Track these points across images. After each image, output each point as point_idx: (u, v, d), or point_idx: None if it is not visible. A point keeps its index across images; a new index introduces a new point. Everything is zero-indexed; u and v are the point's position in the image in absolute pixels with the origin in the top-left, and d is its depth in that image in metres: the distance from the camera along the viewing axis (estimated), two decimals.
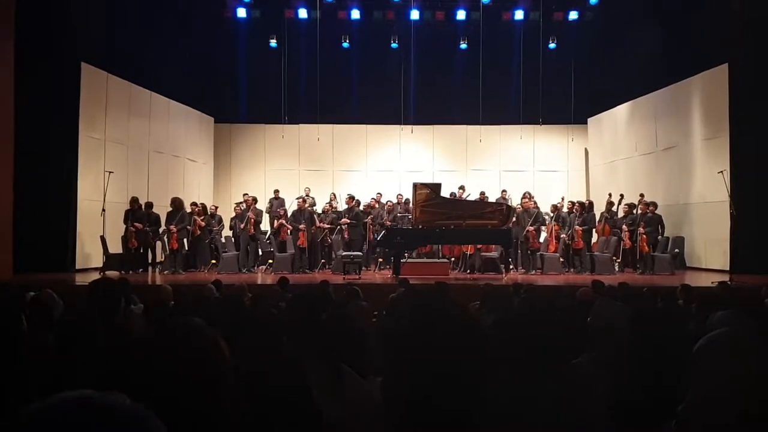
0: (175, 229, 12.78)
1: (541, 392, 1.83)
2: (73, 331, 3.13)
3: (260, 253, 14.12)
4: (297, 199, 14.07)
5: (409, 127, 18.28)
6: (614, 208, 14.06)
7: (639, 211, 13.25)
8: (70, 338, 3.13)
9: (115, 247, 12.70)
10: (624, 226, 13.28)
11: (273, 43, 17.55)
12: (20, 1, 11.37)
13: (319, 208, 14.85)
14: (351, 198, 14.25)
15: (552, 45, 17.62)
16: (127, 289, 5.90)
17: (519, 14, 17.53)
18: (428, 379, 1.50)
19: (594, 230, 13.81)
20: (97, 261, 12.65)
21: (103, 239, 12.45)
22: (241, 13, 17.43)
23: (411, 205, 13.36)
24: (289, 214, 13.81)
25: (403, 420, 1.54)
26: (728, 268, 11.54)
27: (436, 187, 12.86)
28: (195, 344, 1.67)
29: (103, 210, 12.29)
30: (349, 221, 13.68)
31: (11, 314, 3.61)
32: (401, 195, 15.70)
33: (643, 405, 1.61)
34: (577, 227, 13.33)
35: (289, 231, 13.51)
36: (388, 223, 13.98)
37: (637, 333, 1.79)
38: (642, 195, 13.82)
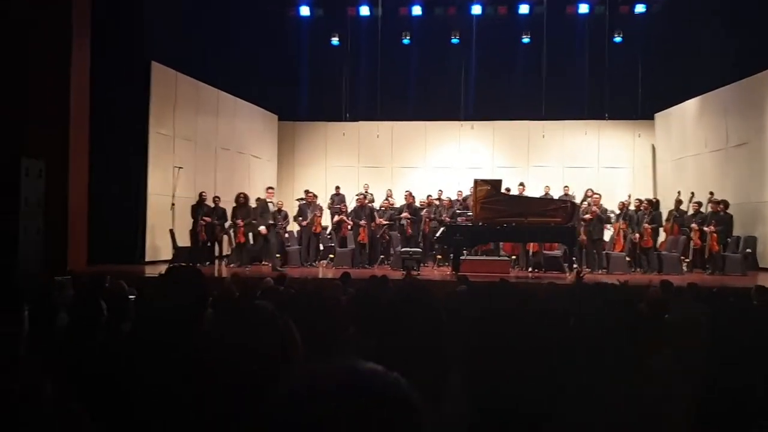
0: (242, 224, 13.04)
1: (620, 391, 1.82)
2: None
3: (321, 248, 14.29)
4: (357, 195, 14.19)
5: (469, 123, 18.18)
6: (683, 206, 13.67)
7: (709, 210, 12.85)
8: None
9: (183, 241, 13.05)
10: (693, 225, 12.90)
11: (335, 41, 17.71)
12: (95, 2, 11.79)
13: (376, 205, 14.93)
14: (410, 194, 14.29)
15: (618, 38, 17.24)
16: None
17: (584, 8, 17.22)
18: (509, 377, 1.51)
19: (662, 229, 13.45)
20: (166, 254, 13.01)
21: (172, 233, 12.82)
22: (305, 11, 17.65)
23: (470, 201, 13.28)
24: (350, 210, 13.95)
25: (482, 418, 1.55)
26: None
27: (496, 184, 12.75)
28: (269, 328, 1.73)
29: (173, 204, 12.64)
30: (410, 217, 13.71)
31: (93, 303, 3.76)
32: (461, 191, 15.64)
33: (727, 407, 1.58)
34: (646, 225, 13.00)
35: (349, 227, 13.65)
36: (447, 219, 13.94)
37: (719, 333, 1.75)
38: (711, 193, 13.38)
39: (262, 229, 12.26)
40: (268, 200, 12.57)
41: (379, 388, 0.80)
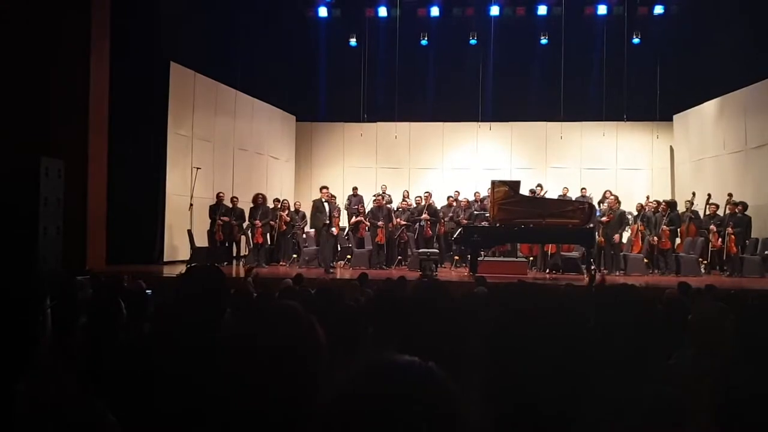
0: (260, 224, 13.11)
1: (639, 392, 1.81)
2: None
3: (339, 248, 14.33)
4: (375, 196, 14.21)
5: (486, 124, 18.12)
6: (694, 208, 13.59)
7: (727, 211, 12.74)
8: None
9: (201, 241, 13.13)
10: (712, 227, 12.79)
11: (353, 42, 17.74)
12: (113, 3, 11.90)
13: (394, 206, 14.94)
14: (429, 195, 14.28)
15: (636, 40, 17.11)
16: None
17: (602, 9, 17.12)
18: (528, 379, 1.51)
19: (679, 230, 13.36)
20: (184, 254, 13.10)
21: (190, 233, 12.89)
22: (323, 12, 17.69)
23: (488, 202, 13.26)
24: (367, 210, 13.97)
25: (502, 419, 1.55)
26: None
27: (515, 185, 12.71)
28: (291, 325, 1.74)
29: (191, 205, 12.71)
30: (429, 218, 13.71)
31: (113, 303, 3.80)
32: (478, 192, 15.62)
33: (749, 408, 1.57)
34: (664, 227, 12.91)
35: (367, 227, 13.67)
36: (465, 221, 13.92)
37: (740, 334, 1.74)
38: (730, 194, 13.26)
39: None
40: (323, 200, 12.64)
41: (418, 377, 0.83)
